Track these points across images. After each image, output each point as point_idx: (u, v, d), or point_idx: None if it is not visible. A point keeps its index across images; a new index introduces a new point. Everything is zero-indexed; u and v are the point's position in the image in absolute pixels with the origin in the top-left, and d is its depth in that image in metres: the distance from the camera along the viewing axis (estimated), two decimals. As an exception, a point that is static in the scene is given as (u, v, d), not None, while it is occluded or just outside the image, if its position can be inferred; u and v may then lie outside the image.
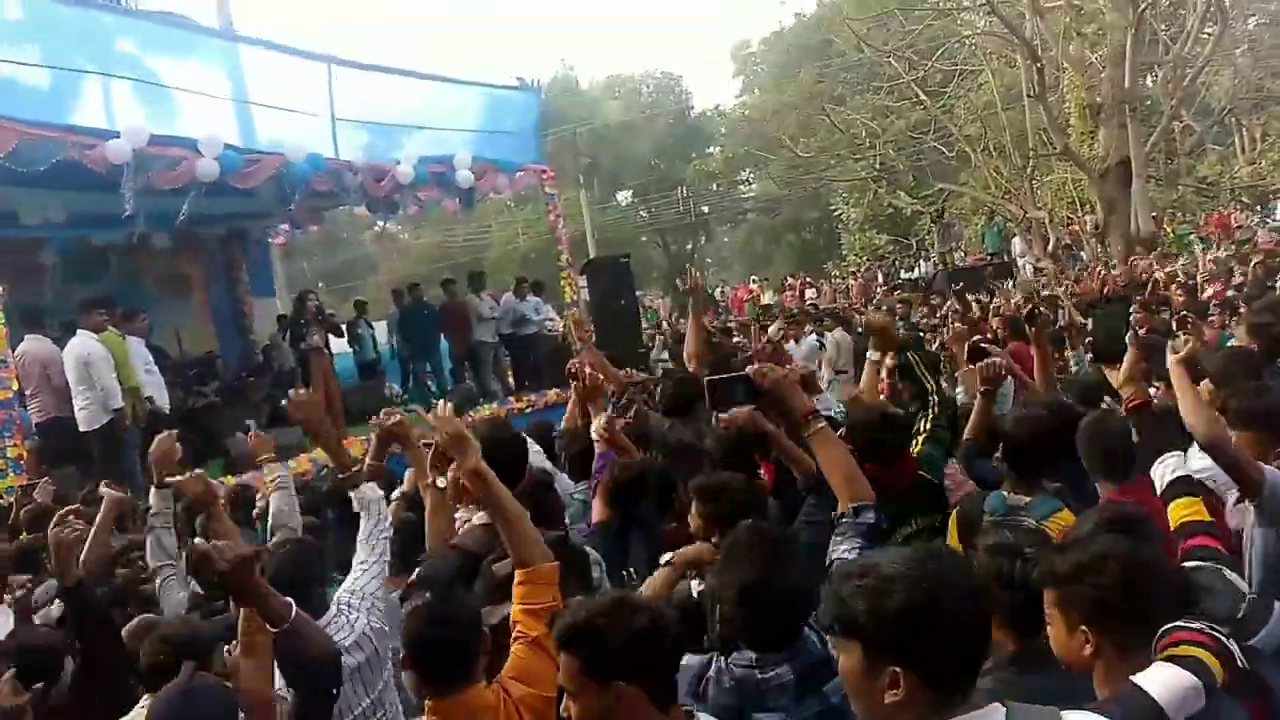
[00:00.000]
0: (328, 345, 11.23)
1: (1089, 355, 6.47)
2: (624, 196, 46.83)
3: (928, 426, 4.08)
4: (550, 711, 2.47)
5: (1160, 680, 1.99)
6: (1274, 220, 22.91)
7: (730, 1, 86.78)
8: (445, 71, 13.00)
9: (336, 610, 3.32)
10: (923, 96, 25.27)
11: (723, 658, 2.63)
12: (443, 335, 13.33)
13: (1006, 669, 2.28)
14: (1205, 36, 20.91)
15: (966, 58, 25.57)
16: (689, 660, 2.54)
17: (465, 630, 2.64)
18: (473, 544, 3.32)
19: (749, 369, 3.19)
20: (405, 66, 12.45)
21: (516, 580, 2.69)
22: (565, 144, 36.85)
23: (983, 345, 5.08)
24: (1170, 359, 3.26)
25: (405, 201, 12.70)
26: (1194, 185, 26.99)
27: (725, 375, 3.32)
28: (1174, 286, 11.14)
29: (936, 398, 4.22)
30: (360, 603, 3.38)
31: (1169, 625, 2.15)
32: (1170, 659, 2.05)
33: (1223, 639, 2.14)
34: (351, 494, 3.72)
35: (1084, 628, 2.08)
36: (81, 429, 8.41)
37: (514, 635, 2.64)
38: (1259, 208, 24.46)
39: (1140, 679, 2.00)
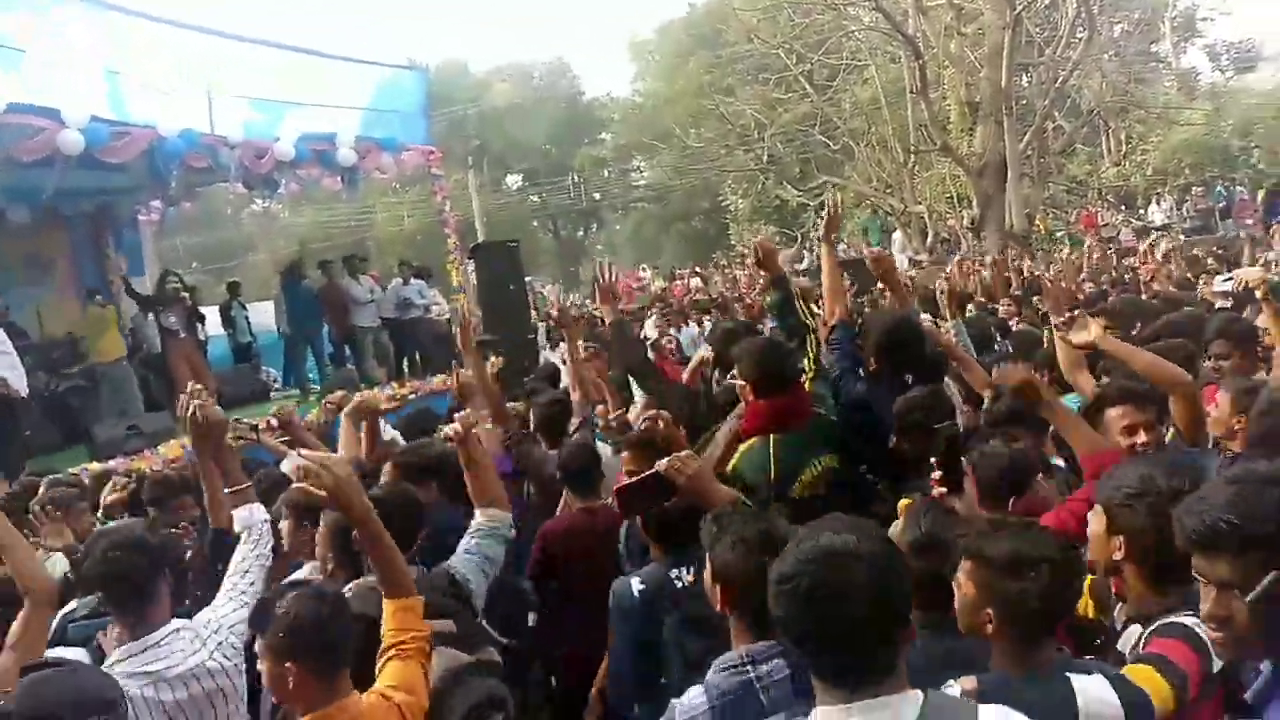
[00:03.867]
0: (190, 328, 10.79)
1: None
2: (514, 181, 46.43)
3: (811, 364, 4.04)
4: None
5: (1093, 693, 2.02)
6: (1138, 220, 24.14)
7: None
8: (332, 50, 12.70)
9: (174, 631, 2.94)
10: (809, 90, 25.71)
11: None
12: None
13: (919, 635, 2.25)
14: (1076, 41, 21.77)
15: (853, 53, 26.11)
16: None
17: (341, 621, 2.58)
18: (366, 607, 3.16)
19: (659, 464, 2.90)
20: (290, 42, 12.10)
21: (392, 609, 2.68)
22: (454, 126, 36.32)
23: None
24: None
25: (285, 179, 12.34)
26: (1065, 184, 28.16)
27: (635, 479, 3.02)
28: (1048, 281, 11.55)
29: (814, 335, 4.14)
30: (211, 636, 3.02)
31: (1162, 621, 2.22)
32: (1122, 674, 2.10)
33: (1200, 643, 2.15)
34: (234, 513, 3.42)
35: (989, 610, 2.14)
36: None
37: (389, 652, 2.63)
38: (1124, 207, 25.71)
39: (1075, 680, 2.04)
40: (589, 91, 46.88)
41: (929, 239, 23.68)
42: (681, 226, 41.75)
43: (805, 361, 4.01)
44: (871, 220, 26.67)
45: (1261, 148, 26.54)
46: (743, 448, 3.72)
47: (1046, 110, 22.74)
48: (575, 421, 5.43)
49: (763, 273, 4.58)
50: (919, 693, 1.67)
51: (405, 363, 13.28)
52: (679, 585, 3.17)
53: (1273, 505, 1.66)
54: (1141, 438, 3.34)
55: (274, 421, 4.26)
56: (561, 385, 6.90)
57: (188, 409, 3.52)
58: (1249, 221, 20.63)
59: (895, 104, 24.71)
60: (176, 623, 2.97)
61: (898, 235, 24.97)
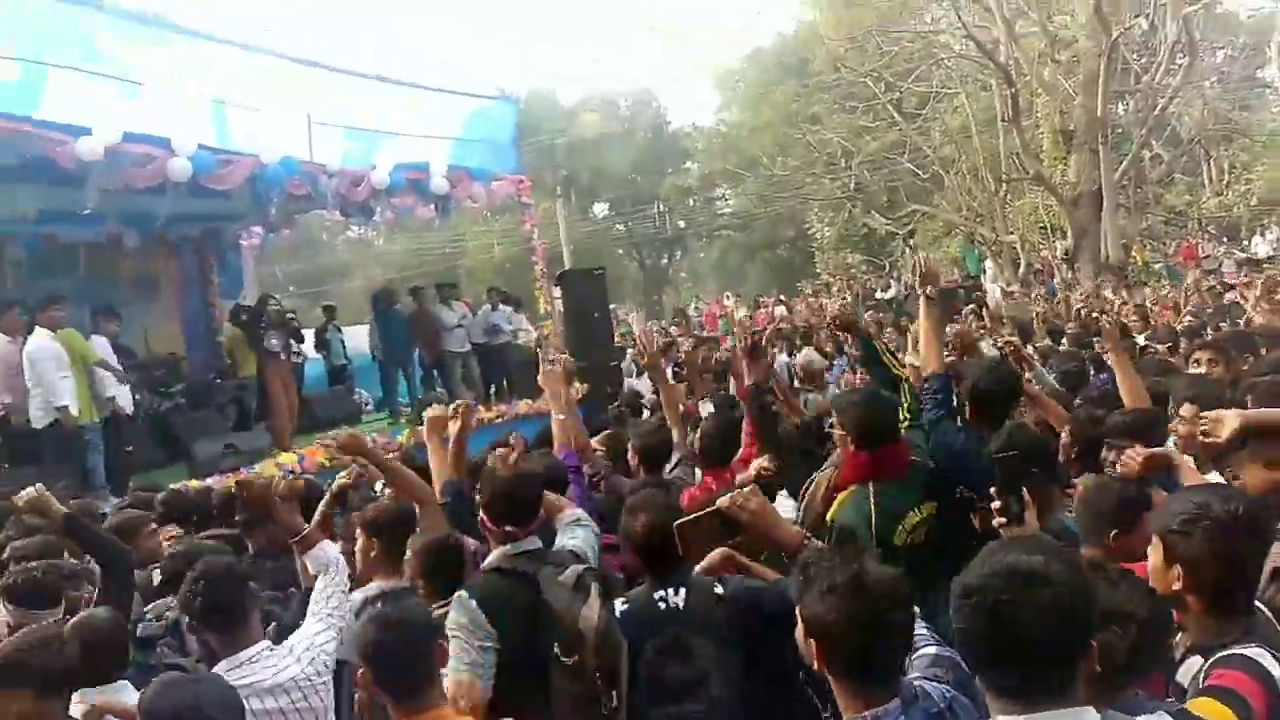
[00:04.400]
0: (288, 351, 11.11)
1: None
2: (600, 210, 46.88)
3: (905, 412, 4.04)
4: None
5: None
6: (1239, 252, 23.29)
7: (712, 18, 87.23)
8: (425, 80, 13.01)
9: (265, 649, 3.19)
10: (898, 118, 25.50)
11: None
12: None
13: None
14: (1176, 67, 21.23)
15: (943, 80, 25.84)
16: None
17: (420, 632, 2.68)
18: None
19: (719, 501, 2.88)
20: (385, 73, 12.44)
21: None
22: (542, 155, 36.87)
23: None
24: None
25: (380, 207, 12.66)
26: (1163, 214, 27.36)
27: (694, 514, 2.98)
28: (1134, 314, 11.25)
29: (907, 384, 4.18)
30: (304, 653, 3.25)
31: (1224, 653, 2.16)
32: (1185, 709, 2.05)
33: (1264, 672, 2.11)
34: (309, 555, 3.61)
35: None
36: (34, 427, 8.37)
37: None
38: (1225, 239, 24.84)
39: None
40: (674, 122, 47.23)
41: (1021, 269, 23.19)
42: (766, 255, 41.63)
43: (900, 410, 4.02)
44: (969, 249, 26.26)
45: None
46: (841, 496, 3.73)
47: (1144, 138, 22.19)
48: (675, 456, 5.40)
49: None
50: (1094, 711, 1.72)
51: (492, 387, 13.47)
52: (663, 607, 3.08)
53: None
54: None
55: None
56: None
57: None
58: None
59: (986, 132, 24.35)
60: (265, 643, 3.21)
61: (989, 265, 24.54)
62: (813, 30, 33.45)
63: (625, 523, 3.23)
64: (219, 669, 3.03)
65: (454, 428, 4.33)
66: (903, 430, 3.91)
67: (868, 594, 1.94)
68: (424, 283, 15.06)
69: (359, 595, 3.68)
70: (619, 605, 3.15)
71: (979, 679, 1.81)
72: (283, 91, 10.45)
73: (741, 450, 4.85)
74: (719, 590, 3.06)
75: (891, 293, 23.46)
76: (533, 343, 13.47)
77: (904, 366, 4.24)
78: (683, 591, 3.07)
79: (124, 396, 9.21)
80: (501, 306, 13.83)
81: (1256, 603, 2.48)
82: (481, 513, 3.36)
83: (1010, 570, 1.71)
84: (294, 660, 3.19)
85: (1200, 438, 3.35)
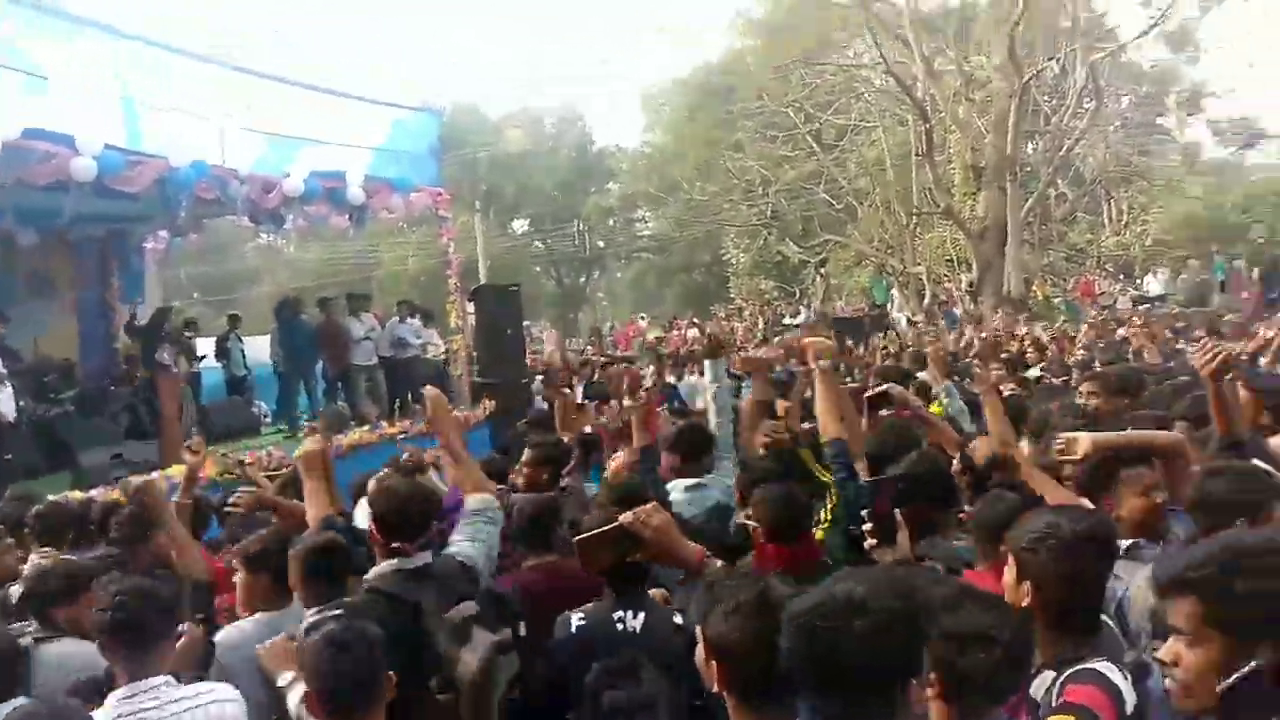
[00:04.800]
0: (178, 363, 10.83)
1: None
2: (520, 226, 46.76)
3: (828, 516, 4.04)
4: None
5: None
6: (1134, 290, 24.27)
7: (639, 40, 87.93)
8: (348, 88, 12.83)
9: (168, 684, 2.96)
10: (816, 148, 26.00)
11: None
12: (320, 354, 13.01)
13: None
14: (1083, 111, 22.08)
15: (861, 114, 26.45)
16: None
17: (367, 657, 2.58)
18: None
19: (623, 517, 2.89)
20: (308, 79, 12.23)
21: None
22: (465, 169, 36.65)
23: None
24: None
25: (292, 214, 12.42)
26: (1064, 251, 28.37)
27: (596, 530, 2.98)
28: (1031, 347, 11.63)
29: (833, 488, 4.12)
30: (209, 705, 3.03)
31: (1074, 668, 2.24)
32: None
33: (1112, 686, 2.19)
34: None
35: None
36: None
37: None
38: (1121, 276, 25.86)
39: None
40: (599, 141, 47.42)
41: (925, 300, 23.79)
42: (683, 278, 41.95)
43: (823, 512, 4.04)
44: (877, 279, 26.84)
45: (1262, 223, 26.76)
46: None
47: (1050, 178, 23.00)
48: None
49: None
50: None
51: (398, 402, 13.28)
52: (620, 629, 3.08)
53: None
54: (1160, 497, 3.36)
55: (260, 456, 4.23)
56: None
57: None
58: (1245, 296, 20.74)
59: (900, 166, 24.96)
60: (166, 678, 2.96)
61: (895, 295, 25.12)
62: (738, 58, 33.99)
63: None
64: (114, 695, 2.86)
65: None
66: (820, 531, 3.93)
67: (772, 613, 1.95)
68: (336, 293, 14.80)
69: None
70: (575, 619, 3.16)
71: (806, 705, 1.82)
72: (199, 94, 10.19)
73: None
74: (678, 620, 3.06)
75: (800, 319, 23.87)
76: (442, 357, 13.34)
77: (828, 473, 4.27)
78: (641, 616, 3.08)
79: (5, 401, 8.83)
80: (410, 320, 13.66)
81: (1103, 617, 2.59)
82: (372, 525, 3.31)
83: (833, 598, 1.73)
84: (194, 706, 2.94)
85: (1057, 456, 3.55)
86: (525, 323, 16.68)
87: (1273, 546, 1.86)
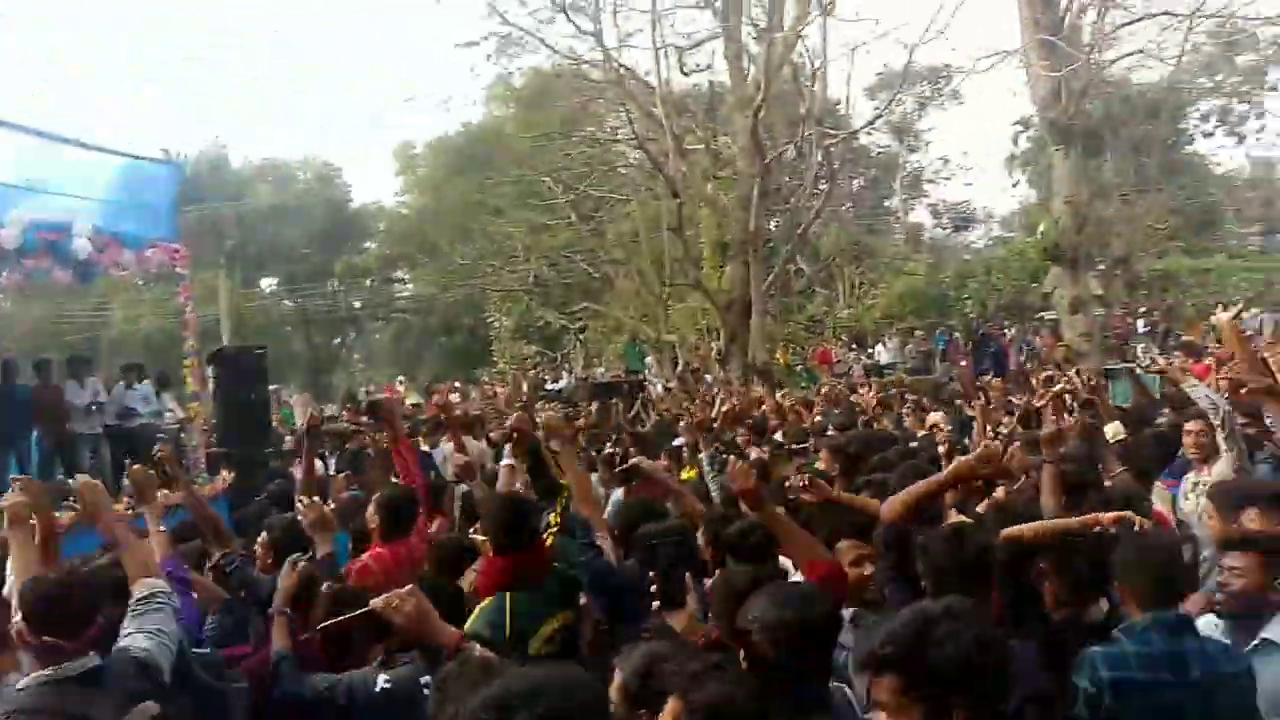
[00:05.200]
0: None
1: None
2: (269, 284, 44.79)
3: (555, 519, 4.14)
4: None
5: None
6: (866, 359, 26.22)
7: (399, 100, 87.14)
8: (78, 136, 11.96)
9: None
10: (574, 218, 26.53)
11: None
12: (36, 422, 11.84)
13: None
14: (818, 192, 23.70)
15: (617, 187, 27.27)
16: None
17: None
18: None
19: (373, 602, 2.81)
20: (34, 125, 11.29)
21: None
22: (209, 223, 34.81)
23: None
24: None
25: (7, 269, 11.38)
26: (804, 322, 30.24)
27: (346, 616, 2.91)
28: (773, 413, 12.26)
29: (565, 495, 4.30)
30: None
31: None
32: None
33: None
34: None
35: None
36: None
37: None
38: (854, 345, 27.85)
39: None
40: (357, 199, 46.38)
41: (679, 367, 24.64)
42: (444, 340, 41.43)
43: (551, 518, 4.11)
44: (631, 346, 27.54)
45: (972, 298, 29.59)
46: (480, 606, 3.74)
47: (789, 253, 24.47)
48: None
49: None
50: None
51: (125, 476, 12.27)
52: (426, 693, 3.01)
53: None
54: (868, 569, 3.66)
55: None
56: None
57: None
58: (963, 363, 22.80)
59: (654, 238, 25.85)
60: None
61: (650, 361, 25.86)
62: (498, 124, 34.33)
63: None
64: None
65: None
66: (550, 537, 4.00)
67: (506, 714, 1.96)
68: (59, 355, 13.59)
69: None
70: (381, 680, 3.09)
71: None
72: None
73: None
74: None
75: (562, 384, 24.12)
76: (178, 426, 12.49)
77: (565, 475, 4.36)
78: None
79: None
80: (139, 385, 12.73)
81: (838, 684, 2.77)
82: (20, 622, 2.94)
83: (499, 694, 1.79)
84: None
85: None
86: (273, 387, 15.93)
87: (955, 613, 2.04)
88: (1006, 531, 3.50)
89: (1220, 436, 5.09)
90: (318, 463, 8.67)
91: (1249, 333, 10.04)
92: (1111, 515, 3.38)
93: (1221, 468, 5.11)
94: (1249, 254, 33.08)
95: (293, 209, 42.46)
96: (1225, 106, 33.89)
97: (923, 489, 3.50)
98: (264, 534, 5.11)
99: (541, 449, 4.80)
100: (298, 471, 11.12)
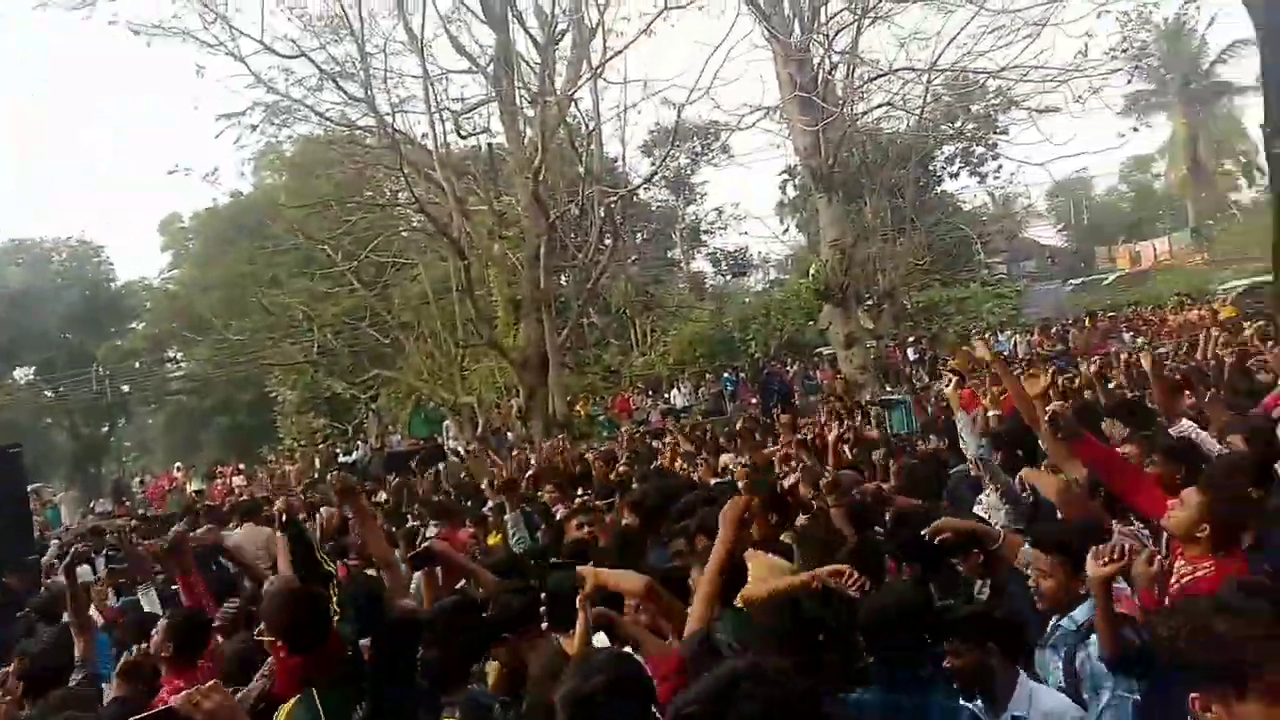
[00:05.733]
0: None
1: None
2: (24, 374, 41.24)
3: (335, 607, 3.99)
4: None
5: None
6: (663, 404, 26.81)
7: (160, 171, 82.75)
8: None
9: None
10: (357, 285, 25.92)
11: None
12: None
13: None
14: (604, 247, 24.18)
15: (400, 250, 26.86)
16: None
17: None
18: None
19: (173, 699, 2.68)
20: None
21: None
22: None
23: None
24: None
25: None
26: (601, 372, 30.65)
27: (149, 713, 2.78)
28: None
29: (335, 580, 4.15)
30: None
31: None
32: None
33: None
34: None
35: None
36: None
37: None
38: (651, 392, 28.45)
39: None
40: (121, 277, 43.60)
41: (480, 428, 24.41)
42: (223, 420, 39.34)
43: (333, 605, 3.97)
44: (417, 414, 27.07)
45: (755, 339, 30.86)
46: (284, 709, 3.53)
47: (581, 308, 24.83)
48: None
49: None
50: None
51: None
52: None
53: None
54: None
55: None
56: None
57: None
58: (754, 401, 23.68)
59: (444, 299, 25.57)
60: None
61: (449, 424, 25.45)
62: (270, 194, 33.15)
63: None
64: None
65: None
66: (334, 622, 3.87)
67: None
68: None
69: None
70: None
71: None
72: None
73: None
74: None
75: (355, 456, 23.37)
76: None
77: (334, 563, 4.22)
78: None
79: None
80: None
81: None
82: None
83: None
84: None
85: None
86: (32, 486, 14.63)
87: (758, 672, 2.11)
88: (743, 593, 3.69)
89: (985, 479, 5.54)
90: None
91: (1004, 354, 10.98)
92: (826, 570, 3.55)
93: (992, 499, 5.56)
94: (997, 282, 36.26)
95: (49, 292, 39.50)
96: (966, 149, 37.12)
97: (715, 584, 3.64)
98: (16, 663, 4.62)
99: (306, 534, 4.60)
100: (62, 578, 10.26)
